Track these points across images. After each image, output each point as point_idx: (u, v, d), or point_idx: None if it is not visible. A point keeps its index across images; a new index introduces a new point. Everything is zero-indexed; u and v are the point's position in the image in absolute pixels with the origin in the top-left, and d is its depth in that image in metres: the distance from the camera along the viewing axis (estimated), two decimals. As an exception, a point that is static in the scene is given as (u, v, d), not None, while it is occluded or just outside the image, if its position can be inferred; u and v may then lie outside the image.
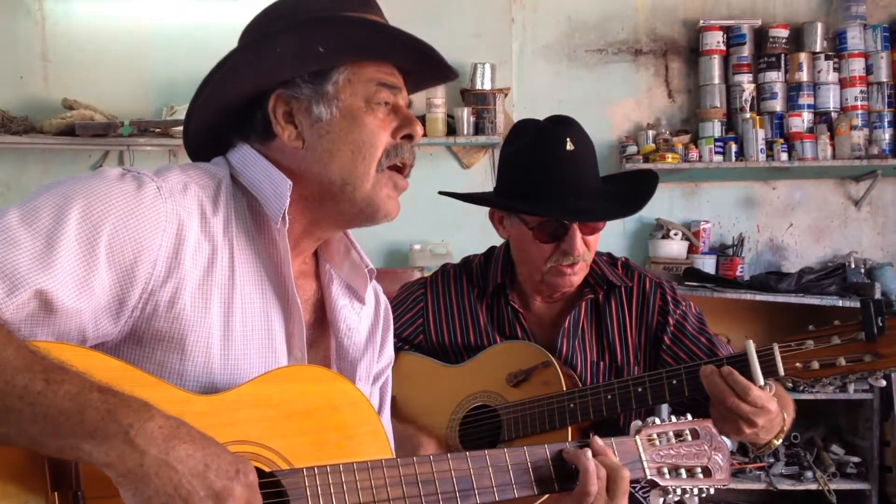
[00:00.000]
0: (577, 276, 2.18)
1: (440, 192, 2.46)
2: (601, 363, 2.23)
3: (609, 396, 2.04)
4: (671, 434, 1.65)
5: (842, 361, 1.87)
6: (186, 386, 1.28)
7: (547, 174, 2.14)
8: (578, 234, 2.13)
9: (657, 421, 1.66)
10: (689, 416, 1.70)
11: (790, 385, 4.08)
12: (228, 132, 1.47)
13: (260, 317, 1.39)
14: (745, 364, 1.90)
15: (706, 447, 1.66)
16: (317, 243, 1.51)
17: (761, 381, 1.88)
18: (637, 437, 1.61)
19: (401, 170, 1.44)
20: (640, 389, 2.03)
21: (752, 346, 1.92)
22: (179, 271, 1.28)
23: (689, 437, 1.65)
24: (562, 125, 2.18)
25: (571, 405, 2.06)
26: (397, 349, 2.29)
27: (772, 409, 1.88)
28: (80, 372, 1.11)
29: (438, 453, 2.08)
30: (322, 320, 1.53)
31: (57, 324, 1.19)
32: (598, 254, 2.29)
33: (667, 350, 2.21)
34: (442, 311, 2.33)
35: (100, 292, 1.21)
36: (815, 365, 1.88)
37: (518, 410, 2.12)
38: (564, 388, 2.09)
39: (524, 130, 2.22)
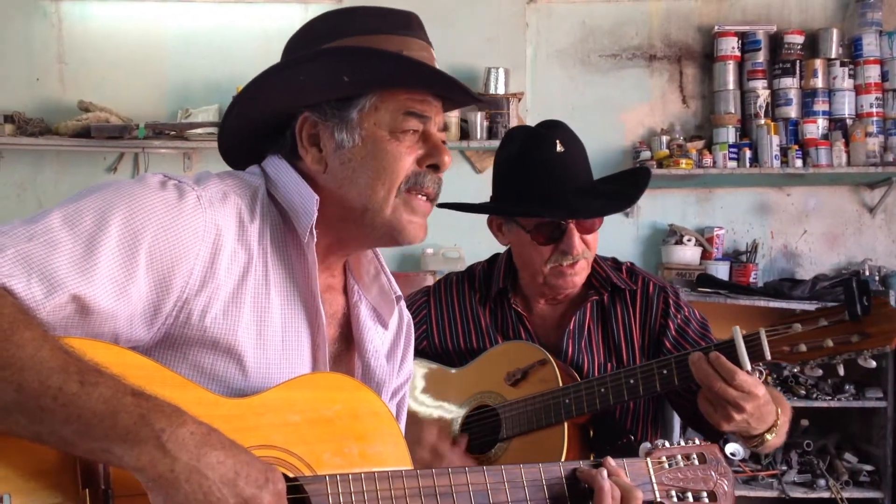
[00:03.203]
0: (578, 275, 2.19)
1: (438, 205, 2.48)
2: (609, 364, 2.24)
3: (602, 389, 2.06)
4: (679, 457, 1.66)
5: (829, 343, 1.87)
6: (216, 390, 1.29)
7: (538, 176, 2.16)
8: (576, 234, 2.14)
9: (666, 443, 1.67)
10: (698, 441, 1.71)
11: (796, 376, 4.04)
12: (264, 143, 1.48)
13: (289, 327, 1.40)
14: (733, 349, 1.91)
15: (712, 472, 1.66)
16: (343, 259, 1.52)
17: (748, 366, 1.89)
18: (647, 458, 1.62)
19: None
20: (631, 381, 2.04)
21: (738, 332, 1.93)
22: (214, 280, 1.30)
23: (697, 462, 1.66)
24: (550, 128, 2.20)
25: (566, 400, 2.08)
26: None
27: (759, 393, 1.88)
28: (115, 375, 1.13)
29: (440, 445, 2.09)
30: (347, 336, 1.54)
31: (91, 326, 1.20)
32: (603, 258, 2.31)
33: (667, 354, 2.20)
34: (445, 317, 2.35)
35: (136, 299, 1.23)
36: (803, 347, 1.88)
37: (515, 408, 2.14)
38: (561, 385, 2.11)
39: (515, 137, 2.24)
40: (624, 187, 2.26)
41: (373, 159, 1.38)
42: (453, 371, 2.29)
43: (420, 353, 2.34)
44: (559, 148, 2.14)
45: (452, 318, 2.35)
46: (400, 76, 1.37)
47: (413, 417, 2.28)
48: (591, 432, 2.15)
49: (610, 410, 2.13)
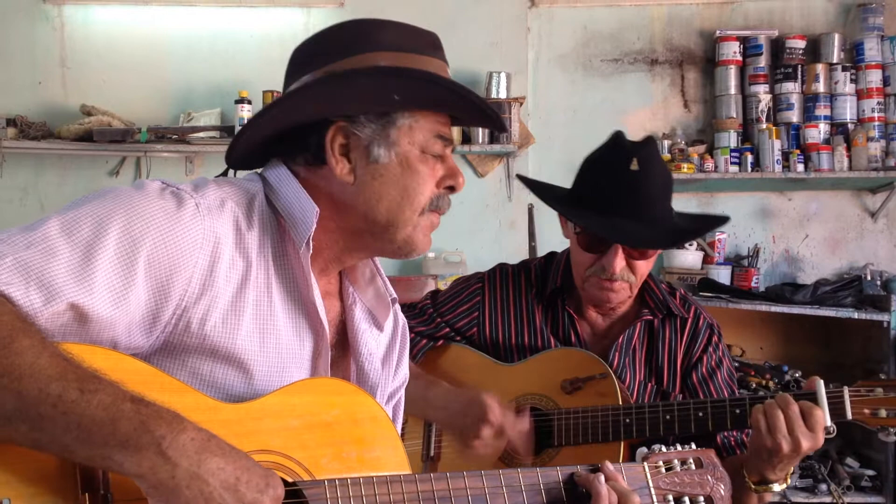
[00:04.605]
0: (616, 293, 2.19)
1: (518, 176, 2.55)
2: (649, 384, 2.25)
3: (668, 416, 2.06)
4: (676, 462, 1.67)
5: None
6: (214, 396, 1.29)
7: (602, 186, 2.17)
8: (620, 254, 2.14)
9: (663, 448, 1.68)
10: (693, 445, 1.71)
11: (798, 380, 4.05)
12: (272, 150, 1.47)
13: (292, 334, 1.41)
14: (814, 402, 1.93)
15: (709, 477, 1.67)
16: (343, 266, 1.52)
17: (829, 421, 1.91)
18: (644, 463, 1.63)
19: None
20: (700, 414, 2.05)
21: (821, 385, 1.95)
22: (214, 288, 1.30)
23: (693, 466, 1.67)
24: (637, 145, 2.19)
25: (627, 420, 2.08)
26: (450, 339, 2.31)
27: (818, 441, 1.91)
28: (114, 381, 1.13)
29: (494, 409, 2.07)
30: (343, 341, 1.54)
31: (89, 334, 1.20)
32: (659, 281, 2.32)
33: (690, 387, 2.24)
34: (499, 308, 2.34)
35: (135, 307, 1.23)
36: (883, 413, 1.93)
37: (572, 418, 2.13)
38: (620, 402, 2.10)
39: (608, 141, 2.24)
40: (685, 226, 2.25)
41: (403, 178, 1.40)
42: (503, 366, 2.28)
43: (467, 340, 2.35)
44: (633, 166, 2.13)
45: (506, 310, 2.34)
46: (445, 99, 1.41)
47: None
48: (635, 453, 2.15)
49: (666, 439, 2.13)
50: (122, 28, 4.80)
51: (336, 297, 1.53)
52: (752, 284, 4.67)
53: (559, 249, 2.41)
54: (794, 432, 1.90)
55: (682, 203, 4.84)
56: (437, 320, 2.35)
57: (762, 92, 4.74)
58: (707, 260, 4.75)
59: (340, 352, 1.53)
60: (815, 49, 4.78)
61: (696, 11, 4.92)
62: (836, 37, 4.73)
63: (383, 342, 1.61)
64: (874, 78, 4.68)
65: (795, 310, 4.31)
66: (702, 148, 4.75)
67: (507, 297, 2.34)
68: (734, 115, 4.76)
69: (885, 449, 4.28)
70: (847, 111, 4.70)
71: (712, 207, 4.90)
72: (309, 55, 1.44)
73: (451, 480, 1.40)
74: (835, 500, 4.25)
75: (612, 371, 2.15)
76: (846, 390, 1.95)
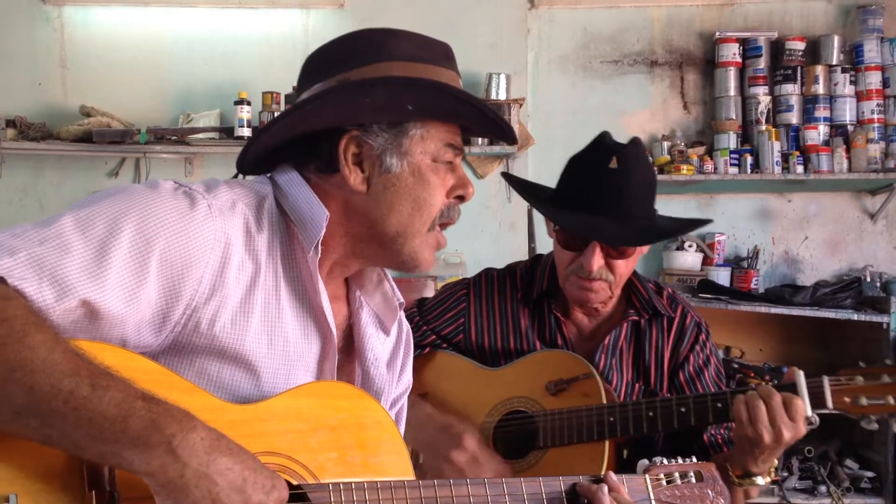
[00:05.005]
0: (595, 293, 2.18)
1: (503, 174, 2.58)
2: (636, 385, 2.25)
3: (651, 413, 2.06)
4: (677, 475, 1.68)
5: (890, 400, 1.91)
6: (221, 397, 1.30)
7: (579, 183, 2.17)
8: (598, 252, 2.13)
9: (664, 461, 1.69)
10: (694, 459, 1.72)
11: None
12: (282, 155, 1.47)
13: (299, 337, 1.41)
14: (794, 393, 1.94)
15: (709, 491, 1.69)
16: (348, 272, 1.53)
17: (810, 411, 1.92)
18: (646, 475, 1.64)
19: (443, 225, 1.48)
20: (682, 410, 2.05)
21: (801, 376, 1.95)
22: (224, 289, 1.30)
23: (694, 479, 1.68)
24: (619, 145, 2.19)
25: (611, 419, 2.08)
26: (436, 347, 2.32)
27: (800, 431, 1.92)
28: (125, 378, 1.13)
29: (480, 448, 2.09)
30: (349, 346, 1.55)
31: (100, 331, 1.21)
32: (646, 280, 2.32)
33: (678, 386, 2.24)
34: (484, 313, 2.34)
35: (146, 306, 1.24)
36: (864, 401, 1.93)
37: (556, 419, 2.13)
38: (605, 402, 2.10)
39: (593, 141, 2.24)
40: (663, 227, 2.25)
41: (416, 188, 1.41)
42: (489, 370, 2.28)
43: (454, 347, 2.35)
44: (613, 164, 2.12)
45: (492, 315, 2.33)
46: (458, 110, 1.42)
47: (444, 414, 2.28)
48: (625, 453, 2.15)
49: (652, 437, 2.14)
50: (122, 29, 4.80)
51: (343, 301, 1.54)
52: (752, 286, 4.68)
53: (560, 251, 2.42)
54: (776, 422, 1.91)
55: (682, 204, 4.85)
56: (424, 328, 2.36)
57: (762, 93, 4.75)
58: (706, 261, 4.75)
59: (346, 356, 1.54)
60: (814, 51, 4.78)
61: (696, 13, 4.92)
62: (836, 38, 4.73)
63: (388, 347, 1.62)
64: (874, 80, 4.68)
65: (795, 311, 4.31)
66: (701, 149, 4.75)
67: (492, 303, 2.34)
68: (734, 117, 4.76)
69: (884, 450, 4.28)
70: (846, 113, 4.70)
71: (711, 209, 4.91)
72: (322, 64, 1.44)
73: (454, 487, 1.40)
74: (834, 502, 4.26)
75: (596, 371, 2.15)
76: (826, 380, 1.95)
